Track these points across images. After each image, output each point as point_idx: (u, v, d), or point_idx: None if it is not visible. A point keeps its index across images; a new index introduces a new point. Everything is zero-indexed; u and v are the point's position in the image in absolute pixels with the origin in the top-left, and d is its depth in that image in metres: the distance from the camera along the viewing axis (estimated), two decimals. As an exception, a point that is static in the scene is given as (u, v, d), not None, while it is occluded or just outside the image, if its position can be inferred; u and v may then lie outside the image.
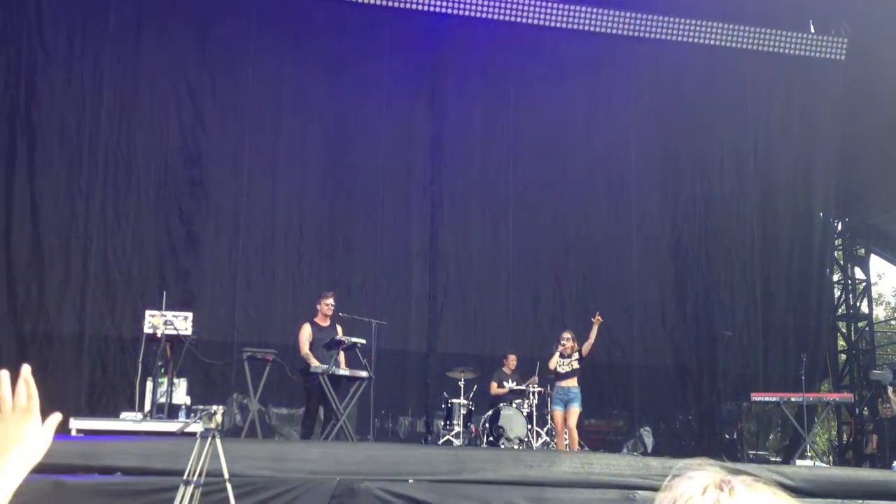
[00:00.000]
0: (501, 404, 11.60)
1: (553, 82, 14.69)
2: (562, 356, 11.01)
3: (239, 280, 13.24)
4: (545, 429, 11.81)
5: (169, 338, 9.55)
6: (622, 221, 14.93)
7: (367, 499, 6.97)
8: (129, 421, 8.92)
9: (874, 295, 22.33)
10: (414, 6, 14.17)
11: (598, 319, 11.15)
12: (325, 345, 10.32)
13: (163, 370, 9.55)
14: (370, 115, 14.08)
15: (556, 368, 11.01)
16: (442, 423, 11.97)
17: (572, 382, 11.02)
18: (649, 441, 14.07)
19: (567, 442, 10.90)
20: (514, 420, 11.29)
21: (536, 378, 11.87)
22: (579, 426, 11.16)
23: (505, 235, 14.46)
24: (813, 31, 15.84)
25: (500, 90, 14.64)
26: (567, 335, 11.18)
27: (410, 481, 7.27)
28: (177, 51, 13.48)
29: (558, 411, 10.98)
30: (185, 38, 13.55)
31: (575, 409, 10.92)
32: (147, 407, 9.35)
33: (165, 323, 9.53)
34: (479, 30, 14.50)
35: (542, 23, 14.52)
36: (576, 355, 11.07)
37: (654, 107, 15.08)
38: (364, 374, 10.24)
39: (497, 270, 14.38)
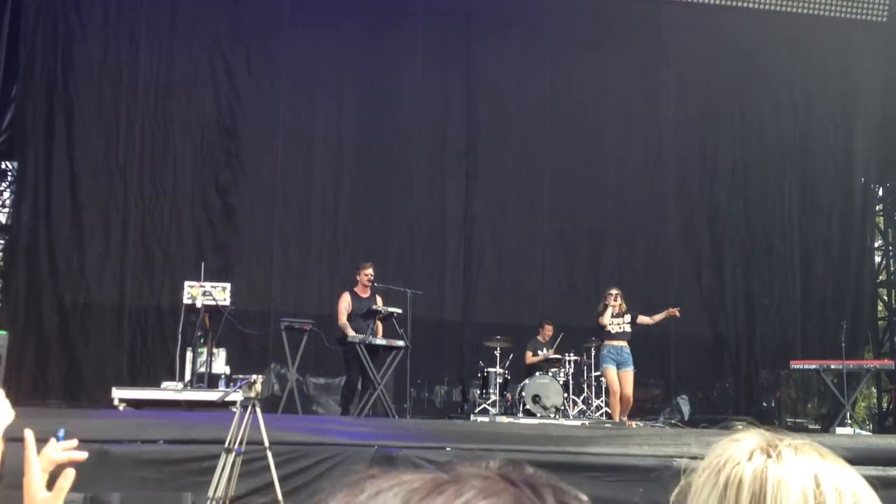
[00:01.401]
0: (537, 373, 11.58)
1: (590, 49, 14.48)
2: (612, 316, 10.94)
3: (276, 250, 13.31)
4: (581, 397, 11.79)
5: (207, 308, 9.64)
6: (659, 189, 14.78)
7: (406, 466, 7.02)
8: (170, 390, 9.06)
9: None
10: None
11: (672, 312, 11.04)
12: (362, 314, 10.39)
13: (202, 340, 9.66)
14: (405, 85, 14.04)
15: (607, 326, 10.93)
16: (478, 393, 12.00)
17: (624, 343, 10.91)
18: (686, 409, 14.00)
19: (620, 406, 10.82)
20: (550, 388, 11.25)
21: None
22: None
23: (540, 204, 14.38)
24: (854, -8, 15.50)
25: (537, 58, 14.49)
26: (614, 291, 11.04)
27: (448, 449, 7.32)
28: (212, 22, 13.48)
29: (610, 368, 10.81)
30: (220, 9, 13.55)
31: (630, 373, 10.82)
32: (187, 376, 9.47)
33: (204, 293, 9.62)
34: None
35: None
36: (627, 318, 10.95)
37: (692, 72, 14.83)
38: (401, 343, 10.29)
39: (533, 239, 14.31)
